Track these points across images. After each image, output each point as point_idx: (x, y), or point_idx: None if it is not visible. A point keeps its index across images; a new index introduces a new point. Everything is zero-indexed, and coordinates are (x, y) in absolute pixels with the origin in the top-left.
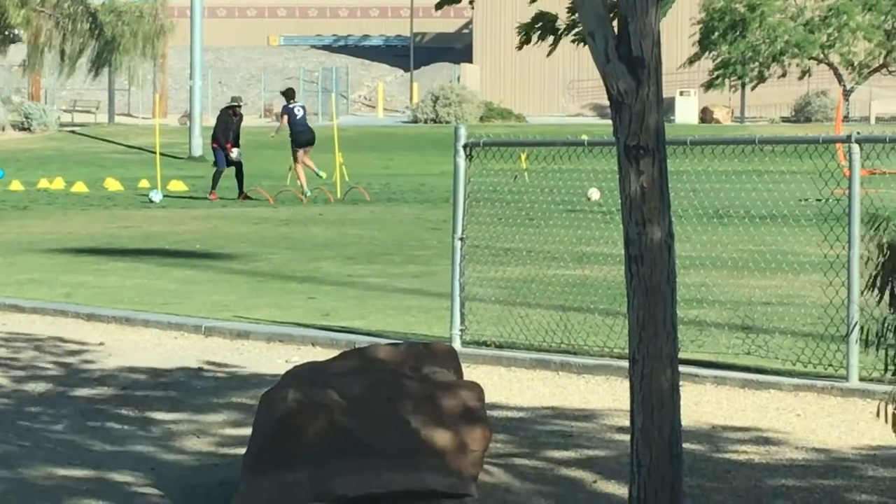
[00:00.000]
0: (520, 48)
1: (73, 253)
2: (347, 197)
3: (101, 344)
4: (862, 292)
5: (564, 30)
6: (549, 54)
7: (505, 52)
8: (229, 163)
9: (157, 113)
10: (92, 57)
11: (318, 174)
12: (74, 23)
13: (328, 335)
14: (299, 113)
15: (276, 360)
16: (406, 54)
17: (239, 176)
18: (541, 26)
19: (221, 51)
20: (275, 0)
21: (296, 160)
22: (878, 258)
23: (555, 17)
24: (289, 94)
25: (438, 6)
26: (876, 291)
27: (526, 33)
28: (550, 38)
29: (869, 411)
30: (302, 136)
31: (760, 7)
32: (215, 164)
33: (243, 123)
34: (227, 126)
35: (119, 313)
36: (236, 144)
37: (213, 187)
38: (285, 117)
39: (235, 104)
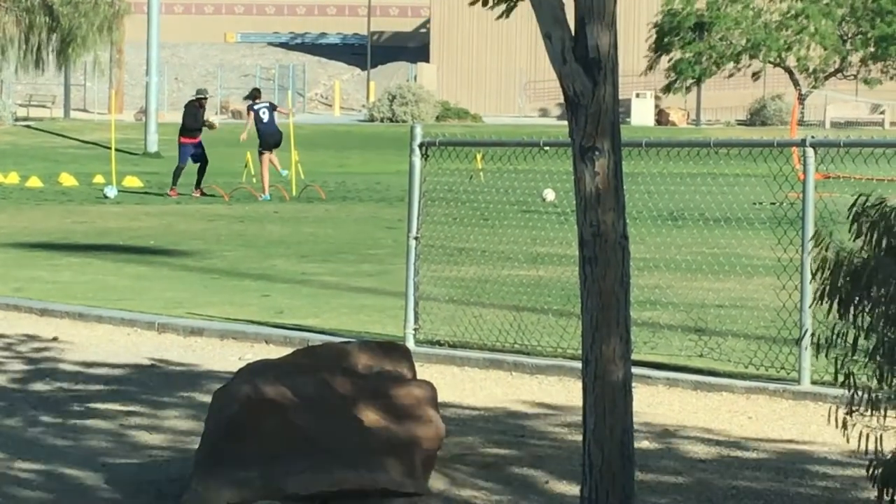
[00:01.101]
0: (472, 4)
1: (27, 248)
2: (303, 195)
3: (54, 339)
4: (811, 305)
5: None
6: (497, 18)
7: (462, 52)
8: (195, 158)
9: (112, 108)
10: (49, 50)
11: (280, 173)
12: (32, 15)
13: (282, 333)
14: (265, 116)
15: (229, 357)
16: (363, 53)
17: (201, 171)
18: None
19: (178, 47)
20: None
21: (261, 161)
22: (822, 274)
23: None
24: (254, 94)
25: None
26: (824, 303)
27: None
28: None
29: (821, 414)
30: (269, 139)
31: (723, 8)
32: (179, 158)
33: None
34: (196, 117)
35: (72, 309)
36: (206, 123)
37: (174, 184)
38: (251, 115)
39: (202, 96)
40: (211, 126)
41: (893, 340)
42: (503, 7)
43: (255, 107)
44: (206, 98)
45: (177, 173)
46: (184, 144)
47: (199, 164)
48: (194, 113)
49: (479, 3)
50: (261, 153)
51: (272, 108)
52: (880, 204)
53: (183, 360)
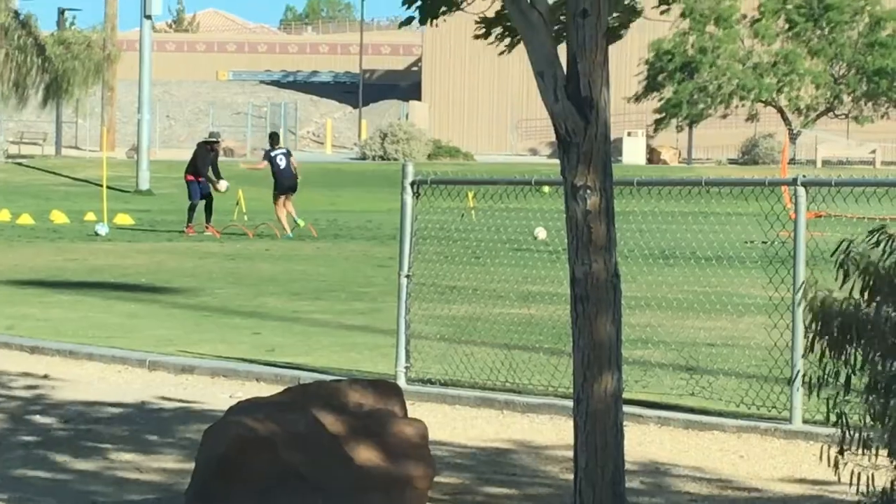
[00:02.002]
0: (476, 38)
1: (18, 285)
2: (294, 232)
3: (45, 377)
4: (804, 354)
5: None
6: (500, 53)
7: (454, 90)
8: (202, 195)
9: (104, 146)
10: (42, 88)
11: (296, 221)
12: (24, 54)
13: (273, 371)
14: (282, 162)
15: (220, 395)
16: (355, 91)
17: (209, 208)
18: (503, 28)
19: (170, 84)
20: (224, 35)
21: (276, 204)
22: (812, 325)
23: None
24: (273, 139)
25: (403, 24)
26: (815, 350)
27: (486, 28)
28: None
29: (812, 454)
30: (285, 183)
31: (711, 51)
32: (189, 198)
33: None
34: (206, 160)
35: (63, 346)
36: (219, 177)
37: (189, 221)
38: (265, 162)
39: (213, 140)
40: (217, 189)
41: (886, 376)
42: (506, 43)
43: (273, 153)
44: (218, 142)
45: (191, 211)
46: (191, 182)
47: (205, 202)
48: (205, 156)
49: (474, 39)
50: (276, 197)
51: (288, 154)
52: (873, 238)
53: (174, 397)
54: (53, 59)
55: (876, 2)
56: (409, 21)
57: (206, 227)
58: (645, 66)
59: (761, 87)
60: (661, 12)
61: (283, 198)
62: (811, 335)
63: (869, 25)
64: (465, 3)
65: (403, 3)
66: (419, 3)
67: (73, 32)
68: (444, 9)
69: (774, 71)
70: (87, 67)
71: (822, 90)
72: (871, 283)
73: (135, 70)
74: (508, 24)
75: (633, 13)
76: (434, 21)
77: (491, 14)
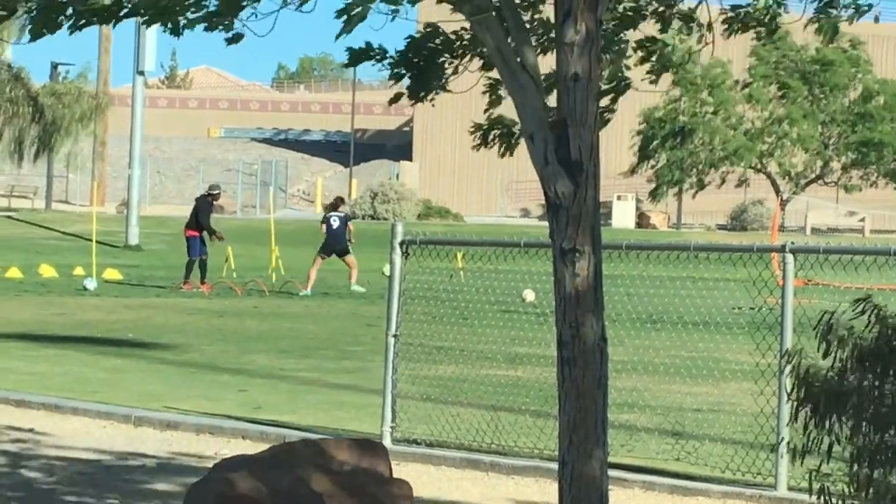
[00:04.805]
0: (476, 149)
1: (3, 338)
2: (283, 290)
3: (30, 430)
4: (788, 423)
5: (520, 135)
6: (501, 156)
7: (444, 150)
8: (200, 252)
9: (94, 200)
10: (33, 140)
11: (351, 285)
12: (16, 106)
13: (258, 428)
14: (335, 223)
15: (205, 451)
16: (346, 150)
17: (203, 265)
18: (499, 131)
19: (161, 140)
20: (216, 92)
21: (314, 260)
22: (795, 393)
23: (513, 122)
24: (336, 201)
25: (392, 101)
26: (800, 420)
27: (483, 136)
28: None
29: None
30: (335, 244)
31: (703, 116)
32: (190, 255)
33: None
34: (208, 213)
35: (48, 400)
36: (212, 232)
37: (187, 278)
38: (323, 226)
39: (216, 192)
40: (220, 238)
41: (869, 447)
42: (503, 146)
43: (329, 215)
44: (219, 193)
45: (189, 267)
46: (192, 238)
47: (199, 258)
48: (208, 209)
49: (473, 150)
50: (318, 254)
51: (346, 218)
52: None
53: (159, 453)
54: (45, 110)
55: (867, 70)
56: (398, 98)
57: (201, 285)
58: (637, 136)
59: (749, 150)
60: (651, 82)
61: (323, 258)
62: (795, 403)
63: (861, 96)
64: (451, 80)
65: (390, 79)
66: (407, 82)
67: (64, 84)
68: (432, 94)
69: (767, 132)
70: (77, 116)
71: (812, 156)
72: (853, 353)
73: (126, 125)
74: (504, 126)
75: (623, 86)
76: (423, 100)
77: (481, 80)
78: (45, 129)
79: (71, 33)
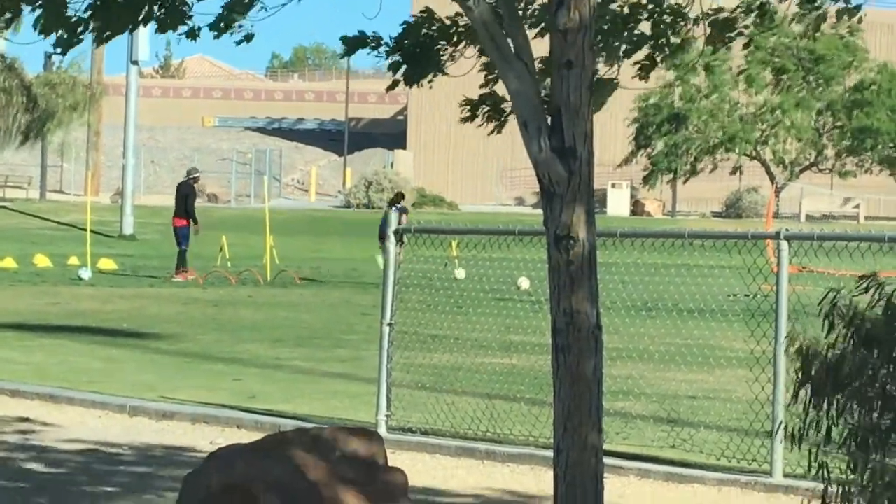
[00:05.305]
0: (463, 122)
1: None
2: (277, 280)
3: (25, 420)
4: (787, 406)
5: (510, 112)
6: (489, 133)
7: (438, 139)
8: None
9: (88, 190)
10: (25, 129)
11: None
12: (9, 96)
13: (253, 418)
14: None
15: (200, 441)
16: (340, 139)
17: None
18: (489, 107)
19: (155, 130)
20: (210, 81)
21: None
22: (797, 369)
23: (503, 100)
24: (397, 196)
25: (389, 89)
26: (799, 399)
27: (472, 110)
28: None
29: None
30: (383, 234)
31: (699, 101)
32: (179, 244)
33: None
34: (194, 199)
35: (44, 390)
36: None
37: (185, 268)
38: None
39: (196, 174)
40: (198, 228)
41: (868, 426)
42: (493, 124)
43: (390, 208)
44: (199, 176)
45: (181, 257)
46: (181, 227)
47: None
48: (194, 195)
49: (461, 122)
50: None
51: (402, 211)
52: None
53: (154, 443)
54: (38, 100)
55: (863, 58)
56: (395, 85)
57: (177, 274)
58: (633, 124)
59: (747, 137)
60: (641, 79)
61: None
62: (795, 382)
63: (857, 84)
64: (447, 66)
65: (389, 69)
66: (404, 69)
67: (58, 74)
68: (429, 77)
69: (761, 119)
70: (71, 106)
71: (806, 144)
72: (856, 332)
73: (120, 115)
74: (494, 103)
75: (611, 87)
76: (420, 84)
77: (475, 65)
78: (39, 119)
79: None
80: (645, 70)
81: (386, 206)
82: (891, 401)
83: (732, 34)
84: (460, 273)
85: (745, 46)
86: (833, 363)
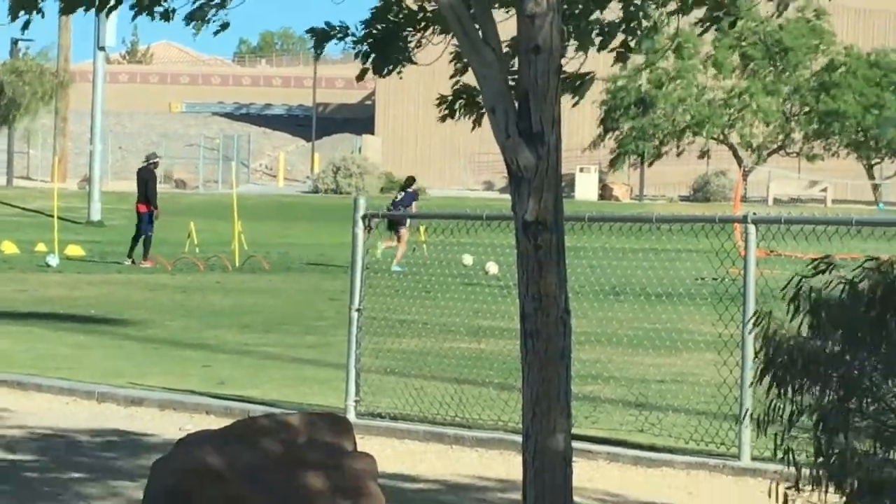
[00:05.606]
0: (442, 121)
1: None
2: (246, 265)
3: None
4: (751, 384)
5: None
6: (472, 130)
7: (406, 123)
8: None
9: (56, 176)
10: None
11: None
12: None
13: (222, 403)
14: (399, 196)
15: (169, 427)
16: (308, 124)
17: (136, 240)
18: (464, 101)
19: (122, 116)
20: (177, 67)
21: (399, 236)
22: (762, 352)
23: (478, 91)
24: (407, 180)
25: (359, 78)
26: (764, 381)
27: (449, 107)
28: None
29: (761, 491)
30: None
31: (667, 84)
32: (144, 231)
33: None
34: (156, 184)
35: (11, 377)
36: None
37: (146, 254)
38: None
39: (156, 159)
40: (157, 213)
41: (833, 409)
42: (471, 118)
43: (401, 192)
44: (158, 161)
45: (147, 242)
46: (144, 213)
47: (136, 233)
48: (155, 180)
49: (439, 121)
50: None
51: (412, 196)
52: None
53: (122, 429)
54: (5, 87)
55: (830, 41)
56: (364, 73)
57: (129, 259)
58: (601, 106)
59: (714, 121)
60: (620, 68)
61: (402, 229)
62: (759, 365)
63: (824, 68)
64: (415, 54)
65: (357, 57)
66: (372, 58)
67: (25, 61)
68: (398, 66)
69: (729, 104)
70: (38, 94)
71: (774, 128)
72: (821, 318)
73: (87, 101)
74: (469, 97)
75: (589, 81)
76: (389, 73)
77: (445, 60)
78: (6, 107)
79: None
80: (621, 58)
81: (398, 190)
82: (854, 384)
83: (721, 13)
84: (493, 267)
85: (731, 26)
86: (797, 347)
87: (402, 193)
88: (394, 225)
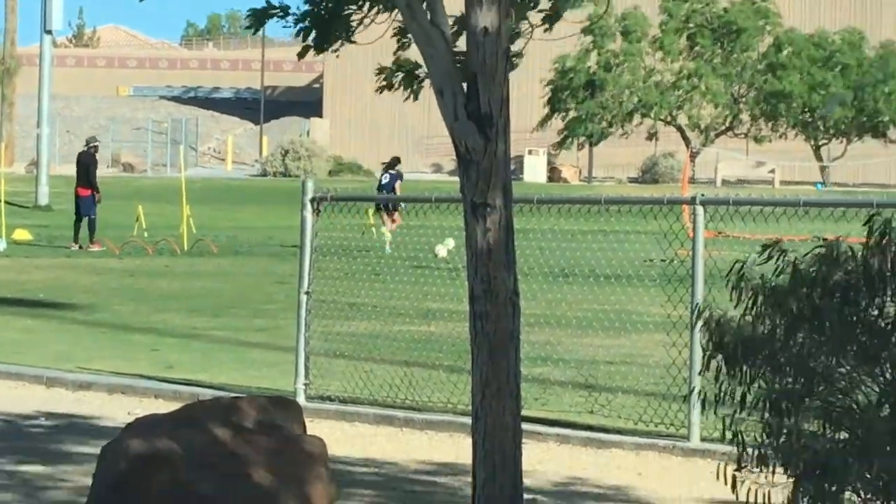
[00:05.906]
0: (380, 92)
1: None
2: (194, 249)
3: None
4: (700, 372)
5: (425, 77)
6: (405, 100)
7: (355, 106)
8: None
9: (2, 161)
10: None
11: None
12: None
13: (171, 388)
14: (385, 179)
15: (118, 411)
16: (256, 107)
17: (79, 224)
18: (404, 74)
19: (70, 99)
20: (125, 50)
21: (382, 218)
22: (707, 344)
23: (416, 66)
24: (391, 162)
25: (300, 56)
26: (712, 367)
27: (387, 78)
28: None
29: (710, 471)
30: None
31: (615, 67)
32: (86, 213)
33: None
34: (96, 168)
35: None
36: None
37: (93, 236)
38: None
39: (96, 143)
40: (98, 191)
41: (781, 392)
42: (411, 89)
43: (384, 173)
44: (97, 145)
45: (92, 225)
46: (84, 197)
47: (76, 218)
48: (96, 163)
49: (377, 92)
50: (377, 209)
51: (396, 177)
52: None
53: (71, 414)
54: None
55: (777, 22)
56: (305, 51)
57: (75, 244)
58: (548, 86)
59: (662, 103)
60: (546, 30)
61: (382, 212)
62: (706, 354)
63: (771, 48)
64: (356, 33)
65: (297, 35)
66: (313, 36)
67: None
68: (337, 44)
69: (676, 87)
70: None
71: (722, 110)
72: (764, 301)
73: (34, 85)
74: (408, 70)
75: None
76: (329, 50)
77: (388, 37)
78: None
79: None
80: (549, 21)
81: (381, 170)
82: (802, 366)
83: None
84: (442, 250)
85: None
86: (744, 332)
87: (388, 175)
88: (386, 207)
